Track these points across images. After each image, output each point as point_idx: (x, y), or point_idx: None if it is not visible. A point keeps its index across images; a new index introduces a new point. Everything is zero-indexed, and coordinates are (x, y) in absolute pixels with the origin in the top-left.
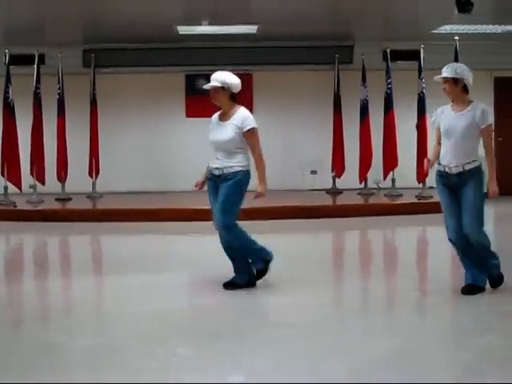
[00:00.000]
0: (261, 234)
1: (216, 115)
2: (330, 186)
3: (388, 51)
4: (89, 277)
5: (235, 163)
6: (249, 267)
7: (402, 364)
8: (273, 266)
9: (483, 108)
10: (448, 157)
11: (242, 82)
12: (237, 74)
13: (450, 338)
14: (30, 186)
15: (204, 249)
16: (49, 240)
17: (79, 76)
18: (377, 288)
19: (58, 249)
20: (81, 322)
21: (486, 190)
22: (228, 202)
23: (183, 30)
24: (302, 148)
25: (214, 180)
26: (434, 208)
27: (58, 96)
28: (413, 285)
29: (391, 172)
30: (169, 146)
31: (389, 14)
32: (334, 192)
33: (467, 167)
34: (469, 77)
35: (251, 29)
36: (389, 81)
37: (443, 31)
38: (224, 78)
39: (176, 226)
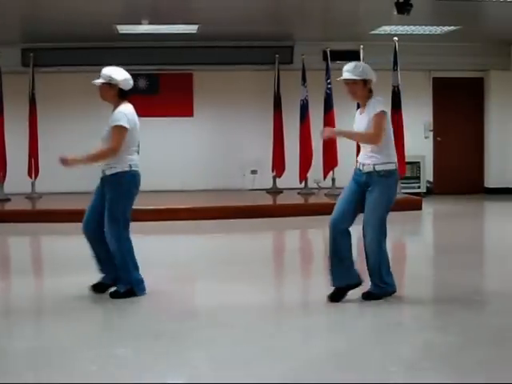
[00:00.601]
0: (203, 233)
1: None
2: (270, 185)
3: (328, 51)
4: (28, 278)
5: (115, 164)
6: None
7: (342, 363)
8: (214, 265)
9: (374, 100)
10: (361, 156)
11: (183, 81)
12: (177, 74)
13: (389, 335)
14: None
15: (144, 249)
16: None
17: (18, 75)
18: (315, 286)
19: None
20: (20, 324)
21: (394, 196)
22: (111, 207)
23: (123, 29)
24: (242, 148)
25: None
26: None
27: None
28: None
29: (331, 171)
30: None
31: (329, 14)
32: (275, 192)
33: (377, 168)
34: (373, 76)
35: (192, 28)
36: (328, 81)
37: (382, 32)
38: (110, 73)
39: None
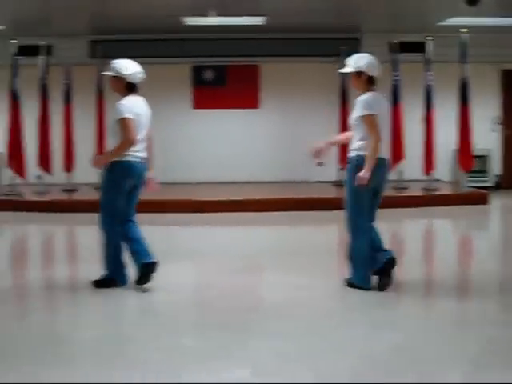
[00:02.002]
0: (269, 225)
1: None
2: (336, 177)
3: (395, 43)
4: (94, 267)
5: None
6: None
7: (405, 359)
8: (279, 257)
9: (360, 99)
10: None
11: (250, 73)
12: (244, 66)
13: (454, 331)
14: (37, 177)
15: (210, 240)
16: (54, 230)
17: (86, 67)
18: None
19: (65, 239)
20: (87, 314)
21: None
22: (101, 196)
23: (190, 20)
24: (308, 140)
25: None
26: (440, 200)
27: (64, 87)
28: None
29: (398, 164)
30: (175, 137)
31: (396, 5)
32: (340, 184)
33: (348, 155)
34: (370, 68)
35: (258, 20)
36: (396, 73)
37: (450, 23)
38: (119, 66)
39: (181, 217)
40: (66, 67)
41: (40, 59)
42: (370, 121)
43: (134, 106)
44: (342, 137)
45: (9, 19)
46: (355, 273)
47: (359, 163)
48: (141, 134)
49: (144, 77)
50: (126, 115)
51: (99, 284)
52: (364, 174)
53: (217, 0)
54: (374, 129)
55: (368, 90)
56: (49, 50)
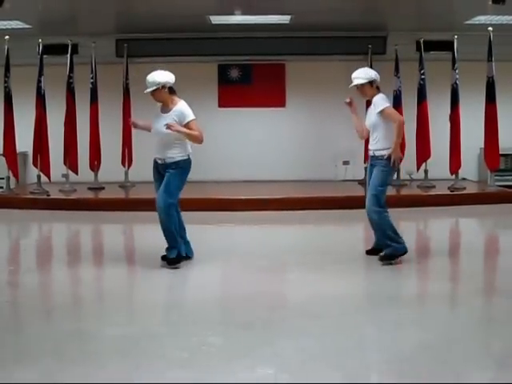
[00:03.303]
0: (294, 224)
1: (158, 106)
2: (362, 176)
3: (421, 42)
4: (121, 266)
5: (178, 153)
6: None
7: (432, 357)
8: (304, 255)
9: (377, 98)
10: (371, 144)
11: (276, 72)
12: (270, 64)
13: (481, 329)
14: (63, 175)
15: (235, 238)
16: (81, 229)
17: (112, 65)
18: (406, 277)
19: (91, 238)
20: (112, 311)
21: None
22: (170, 181)
23: (216, 19)
24: (334, 138)
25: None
26: (467, 199)
27: (90, 85)
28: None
29: (424, 163)
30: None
31: (422, 4)
32: (366, 183)
33: (377, 153)
34: (377, 76)
35: (284, 19)
36: (422, 71)
37: (477, 22)
38: (154, 79)
39: (207, 216)
40: (92, 66)
41: (66, 58)
42: (390, 110)
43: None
44: (364, 128)
45: (35, 19)
46: (394, 244)
47: (386, 161)
48: None
49: (174, 77)
50: (194, 116)
51: (173, 261)
52: (396, 154)
53: None
54: (396, 114)
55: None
56: (75, 49)
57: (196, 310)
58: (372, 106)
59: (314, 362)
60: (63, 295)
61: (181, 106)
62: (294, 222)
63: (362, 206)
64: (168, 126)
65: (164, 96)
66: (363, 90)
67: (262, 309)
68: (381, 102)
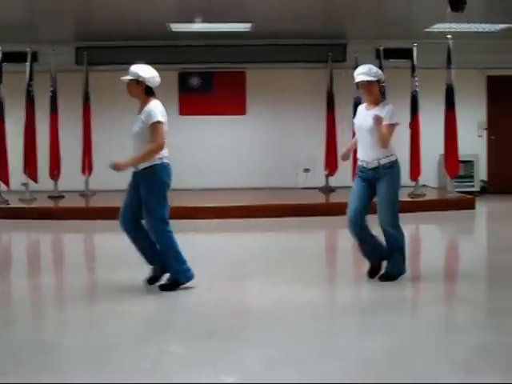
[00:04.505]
0: (255, 232)
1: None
2: (322, 183)
3: (381, 49)
4: (81, 274)
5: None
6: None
7: (394, 364)
8: (266, 263)
9: (390, 107)
10: (364, 153)
11: (236, 79)
12: (230, 72)
13: (443, 335)
14: (23, 184)
15: (196, 247)
16: (41, 238)
17: (72, 73)
18: (368, 285)
19: (51, 247)
20: (72, 320)
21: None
22: (147, 199)
23: (176, 27)
24: (295, 146)
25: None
26: (427, 206)
27: (50, 93)
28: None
29: None
30: None
31: (382, 12)
32: (327, 190)
33: (382, 162)
34: (384, 76)
35: (245, 26)
36: None
37: (436, 29)
38: (137, 70)
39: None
40: (52, 74)
41: (26, 66)
42: (393, 128)
43: (163, 110)
44: (353, 143)
45: None
46: (402, 263)
47: (397, 166)
48: (165, 136)
49: (160, 81)
50: (159, 119)
51: (169, 287)
52: None
53: (203, 7)
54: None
55: (382, 98)
56: (34, 57)
57: (158, 319)
58: (377, 109)
59: (277, 369)
60: (22, 305)
61: (150, 106)
62: (255, 230)
63: (324, 214)
64: (113, 168)
65: (136, 92)
66: (371, 89)
67: (226, 317)
68: (391, 113)
